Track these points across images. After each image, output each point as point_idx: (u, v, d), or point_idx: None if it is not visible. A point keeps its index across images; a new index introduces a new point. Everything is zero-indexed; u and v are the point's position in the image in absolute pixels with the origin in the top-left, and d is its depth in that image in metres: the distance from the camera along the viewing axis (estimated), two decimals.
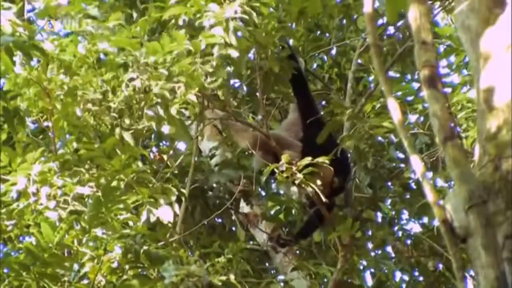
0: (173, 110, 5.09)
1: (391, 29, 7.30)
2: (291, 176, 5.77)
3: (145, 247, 4.75)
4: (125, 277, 4.78)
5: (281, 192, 7.41)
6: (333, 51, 7.72)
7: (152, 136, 7.18)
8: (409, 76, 7.61)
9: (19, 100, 5.36)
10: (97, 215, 4.74)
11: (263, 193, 7.60)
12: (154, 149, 7.32)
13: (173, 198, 5.31)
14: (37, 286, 4.63)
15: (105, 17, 5.91)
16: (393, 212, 7.19)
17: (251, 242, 7.04)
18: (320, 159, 5.74)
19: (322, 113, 6.98)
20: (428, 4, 2.92)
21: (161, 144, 7.44)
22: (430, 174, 6.58)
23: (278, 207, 7.32)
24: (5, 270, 4.67)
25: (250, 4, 5.27)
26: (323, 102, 7.76)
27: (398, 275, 7.41)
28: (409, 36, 6.76)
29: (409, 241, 7.11)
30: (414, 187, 6.92)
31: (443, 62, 7.17)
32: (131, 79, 5.10)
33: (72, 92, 5.21)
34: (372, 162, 6.58)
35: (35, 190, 4.85)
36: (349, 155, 6.41)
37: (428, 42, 2.79)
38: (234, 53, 5.16)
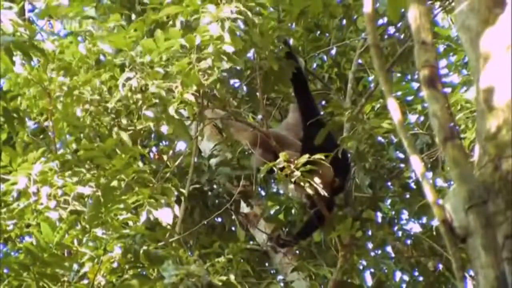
0: (171, 110, 5.09)
1: (391, 29, 7.30)
2: (290, 174, 5.77)
3: (144, 247, 4.75)
4: (124, 277, 4.78)
5: (281, 192, 7.41)
6: (333, 51, 7.72)
7: (152, 136, 7.18)
8: (409, 76, 7.61)
9: (19, 100, 5.37)
10: (97, 215, 4.75)
11: (263, 193, 7.60)
12: (154, 149, 7.32)
13: (173, 198, 5.31)
14: (37, 286, 4.63)
15: (102, 18, 5.92)
16: (393, 212, 7.19)
17: (251, 242, 7.04)
18: (319, 156, 5.74)
19: (322, 113, 6.98)
20: (428, 4, 2.92)
21: (160, 144, 7.44)
22: (430, 174, 6.58)
23: (278, 207, 7.32)
24: (5, 270, 4.67)
25: (247, 4, 5.27)
26: (323, 102, 7.76)
27: (398, 275, 7.42)
28: (410, 36, 6.76)
29: (409, 241, 7.11)
30: (414, 187, 6.92)
31: (443, 62, 7.18)
32: (128, 79, 5.10)
33: (72, 92, 5.22)
34: (372, 162, 6.58)
35: (36, 189, 4.85)
36: (349, 155, 6.40)
37: (428, 42, 2.79)
38: (229, 49, 5.16)
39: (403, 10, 3.62)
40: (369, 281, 7.34)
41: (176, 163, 6.30)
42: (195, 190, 6.47)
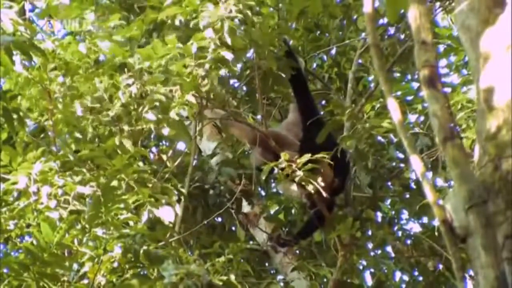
0: (172, 114, 5.10)
1: (391, 29, 7.30)
2: (291, 174, 5.77)
3: (144, 247, 4.75)
4: (124, 276, 4.78)
5: (281, 191, 7.41)
6: (333, 51, 7.72)
7: (152, 136, 7.18)
8: (409, 76, 7.61)
9: (19, 100, 5.37)
10: (97, 215, 4.75)
11: (263, 193, 7.60)
12: (154, 149, 7.32)
13: (174, 198, 5.31)
14: (37, 286, 4.63)
15: (101, 20, 5.92)
16: (393, 212, 7.19)
17: (251, 242, 7.04)
18: (319, 156, 5.74)
19: (322, 113, 6.98)
20: (428, 4, 2.92)
21: (160, 143, 7.44)
22: (430, 174, 6.58)
23: (278, 207, 7.32)
24: (5, 270, 4.67)
25: (246, 3, 5.27)
26: (323, 102, 7.76)
27: (398, 275, 7.42)
28: (410, 36, 6.76)
29: (409, 241, 7.11)
30: (414, 187, 6.92)
31: (443, 62, 7.18)
32: (127, 85, 5.11)
33: (72, 92, 5.22)
34: (372, 162, 6.58)
35: (36, 189, 4.85)
36: (348, 155, 6.40)
37: (428, 42, 2.79)
38: (228, 55, 5.17)
39: (403, 10, 3.62)
40: (369, 281, 7.34)
41: (176, 163, 6.30)
42: (196, 189, 6.47)
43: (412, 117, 6.96)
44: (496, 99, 2.79)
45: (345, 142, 6.16)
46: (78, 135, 5.42)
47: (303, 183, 5.84)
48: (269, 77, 5.91)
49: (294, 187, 6.11)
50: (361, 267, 7.22)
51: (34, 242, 4.66)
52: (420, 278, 7.25)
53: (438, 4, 7.02)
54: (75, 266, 4.88)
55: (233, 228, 7.05)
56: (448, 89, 6.64)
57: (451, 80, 7.02)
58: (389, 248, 7.16)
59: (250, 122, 6.66)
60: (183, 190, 5.78)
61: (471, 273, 2.84)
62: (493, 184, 2.70)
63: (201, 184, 6.51)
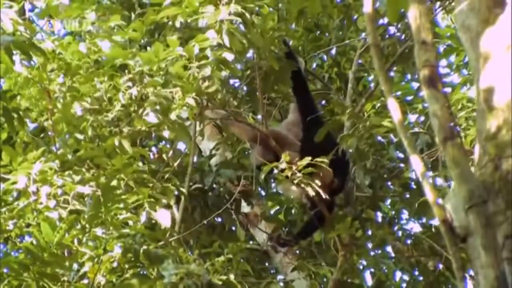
0: (172, 116, 5.09)
1: (391, 29, 7.30)
2: (291, 175, 5.77)
3: (144, 247, 4.75)
4: (124, 276, 4.78)
5: (281, 192, 7.41)
6: (333, 51, 7.72)
7: (152, 135, 7.18)
8: (409, 76, 7.61)
9: (19, 99, 5.37)
10: (97, 215, 4.75)
11: (263, 193, 7.60)
12: (153, 149, 7.32)
13: (172, 200, 5.31)
14: (37, 285, 4.63)
15: (102, 19, 5.92)
16: (393, 212, 7.19)
17: (251, 242, 7.04)
18: (320, 160, 5.74)
19: (322, 113, 6.98)
20: (428, 4, 2.92)
21: (160, 144, 7.44)
22: (430, 174, 6.58)
23: (278, 207, 7.32)
24: (5, 270, 4.67)
25: (246, 5, 5.27)
26: (323, 102, 7.76)
27: (398, 274, 7.42)
28: (410, 36, 6.76)
29: (409, 241, 7.11)
30: (414, 187, 6.92)
31: (443, 62, 7.18)
32: (128, 87, 5.11)
33: (72, 92, 5.22)
34: (372, 162, 6.58)
35: (35, 189, 4.85)
36: (348, 154, 6.40)
37: (428, 42, 2.79)
38: (229, 56, 5.17)
39: (403, 10, 3.62)
40: (369, 280, 7.34)
41: (176, 163, 6.30)
42: (195, 189, 6.47)
43: (412, 117, 6.96)
44: (496, 99, 2.78)
45: (345, 142, 6.16)
46: (78, 135, 5.42)
47: (302, 184, 5.84)
48: (270, 77, 5.90)
49: (294, 187, 6.10)
50: (361, 267, 7.23)
51: (34, 242, 4.66)
52: (420, 278, 7.25)
53: (438, 4, 7.01)
54: (75, 266, 4.88)
55: (233, 228, 7.04)
56: (448, 89, 6.64)
57: (452, 80, 7.03)
58: (389, 248, 7.16)
59: (250, 122, 6.65)
60: (184, 190, 5.78)
61: (471, 273, 2.84)
62: (493, 184, 2.70)
63: (201, 184, 6.51)
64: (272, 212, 7.33)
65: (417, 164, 2.76)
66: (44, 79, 5.29)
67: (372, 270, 7.30)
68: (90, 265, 4.82)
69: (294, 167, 5.76)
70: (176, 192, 5.54)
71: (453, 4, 6.35)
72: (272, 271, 7.23)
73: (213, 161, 6.88)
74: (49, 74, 5.29)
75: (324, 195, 5.90)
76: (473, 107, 6.09)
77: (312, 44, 7.60)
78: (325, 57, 7.81)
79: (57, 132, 5.43)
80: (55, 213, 4.80)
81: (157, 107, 5.08)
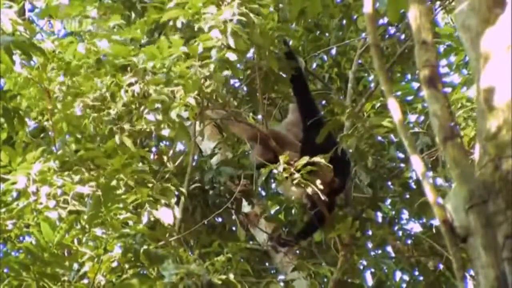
0: (173, 114, 5.09)
1: (391, 29, 7.30)
2: (290, 176, 5.77)
3: (144, 247, 4.75)
4: (124, 276, 4.78)
5: (281, 192, 7.41)
6: (333, 51, 7.72)
7: (152, 135, 7.18)
8: (409, 76, 7.62)
9: (19, 99, 5.36)
10: (97, 215, 4.75)
11: (263, 193, 7.59)
12: (154, 149, 7.32)
13: (173, 200, 5.31)
14: (37, 285, 4.63)
15: (103, 18, 5.92)
16: (393, 212, 7.19)
17: (251, 242, 7.04)
18: (319, 159, 5.74)
19: (322, 113, 6.98)
20: (428, 4, 2.92)
21: (160, 144, 7.44)
22: (430, 174, 6.58)
23: (278, 207, 7.32)
24: (5, 270, 4.67)
25: (248, 6, 5.27)
26: (323, 102, 7.76)
27: (398, 274, 7.42)
28: (410, 36, 6.76)
29: (409, 241, 7.11)
30: (414, 186, 6.92)
31: (443, 62, 7.18)
32: (130, 84, 5.11)
33: (72, 92, 5.22)
34: (372, 162, 6.57)
35: (35, 189, 4.85)
36: (348, 154, 6.40)
37: (428, 42, 2.79)
38: (232, 56, 5.17)
39: (403, 10, 3.62)
40: (369, 280, 7.34)
41: (177, 163, 6.30)
42: (196, 189, 6.47)
43: (412, 117, 6.96)
44: (496, 99, 2.78)
45: (345, 142, 6.15)
46: (78, 135, 5.42)
47: (302, 185, 5.84)
48: (270, 77, 5.90)
49: (294, 187, 6.10)
50: (361, 267, 7.23)
51: (34, 242, 4.66)
52: (421, 278, 7.25)
53: (438, 4, 7.01)
54: (75, 266, 4.88)
55: (233, 228, 7.04)
56: (448, 89, 6.64)
57: (452, 80, 7.03)
58: (389, 248, 7.16)
59: (251, 122, 6.65)
60: (183, 190, 5.78)
61: (472, 273, 2.84)
62: (493, 184, 2.70)
63: (201, 184, 6.51)
64: (272, 212, 7.33)
65: (417, 164, 2.76)
66: (44, 79, 5.29)
67: (373, 270, 7.30)
68: (90, 265, 4.82)
69: (293, 167, 5.76)
70: (176, 192, 5.54)
71: (453, 4, 6.35)
72: (272, 271, 7.23)
73: (214, 160, 6.88)
74: (49, 74, 5.29)
75: (323, 197, 5.89)
76: (471, 106, 6.08)
77: (312, 44, 7.60)
78: (325, 57, 7.81)
79: (57, 132, 5.42)
80: (54, 213, 4.79)
81: (158, 105, 5.08)
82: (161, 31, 5.77)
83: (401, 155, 6.83)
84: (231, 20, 5.18)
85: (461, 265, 2.67)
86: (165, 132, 5.25)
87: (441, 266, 7.09)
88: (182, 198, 5.91)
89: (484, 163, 2.76)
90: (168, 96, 5.08)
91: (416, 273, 7.27)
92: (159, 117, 5.10)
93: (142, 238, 4.77)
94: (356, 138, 6.16)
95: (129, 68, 5.20)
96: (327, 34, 7.66)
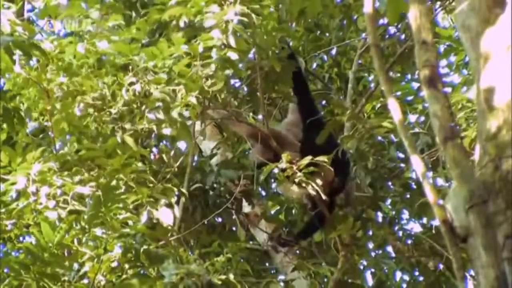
0: (174, 113, 5.09)
1: (391, 29, 7.30)
2: (291, 175, 5.77)
3: (145, 246, 4.74)
4: (124, 276, 4.78)
5: (281, 192, 7.41)
6: (333, 51, 7.72)
7: (153, 135, 7.18)
8: (409, 76, 7.62)
9: (19, 100, 5.36)
10: (97, 215, 4.75)
11: (264, 193, 7.59)
12: (154, 149, 7.32)
13: (173, 199, 5.31)
14: (37, 285, 4.63)
15: (105, 18, 5.92)
16: (394, 212, 7.19)
17: (251, 242, 7.04)
18: (321, 159, 5.74)
19: (322, 113, 6.98)
20: (428, 4, 2.92)
21: (161, 143, 7.44)
22: (430, 174, 6.58)
23: (278, 207, 7.32)
24: (5, 270, 4.67)
25: (250, 6, 5.27)
26: (323, 102, 7.76)
27: (398, 274, 7.42)
28: (410, 36, 6.76)
29: (409, 241, 7.11)
30: (415, 187, 6.91)
31: (443, 62, 7.18)
32: (131, 83, 5.10)
33: (72, 92, 5.21)
34: (373, 162, 6.57)
35: (35, 189, 4.85)
36: (349, 155, 6.40)
37: (428, 42, 2.79)
38: (234, 56, 5.17)
39: (403, 11, 3.62)
40: (369, 280, 7.34)
41: (177, 163, 6.30)
42: (196, 189, 6.47)
43: (413, 117, 6.96)
44: (497, 99, 2.78)
45: (346, 143, 6.15)
46: (78, 135, 5.42)
47: (303, 184, 5.84)
48: (271, 77, 5.90)
49: (294, 188, 6.10)
50: (361, 267, 7.23)
51: (34, 242, 4.66)
52: (421, 278, 7.25)
53: (438, 4, 7.01)
54: (75, 265, 4.88)
55: (233, 228, 7.05)
56: (448, 89, 6.64)
57: (452, 80, 7.03)
58: (389, 248, 7.17)
59: (251, 122, 6.65)
60: (183, 190, 5.78)
61: (472, 273, 2.85)
62: (493, 184, 2.70)
63: (201, 184, 6.51)
64: (272, 212, 7.32)
65: (417, 164, 2.76)
66: (43, 80, 5.28)
67: (373, 270, 7.30)
68: (90, 265, 4.82)
69: (295, 167, 5.76)
70: (176, 192, 5.54)
71: (453, 4, 6.35)
72: (272, 271, 7.23)
73: (214, 160, 6.88)
74: (48, 74, 5.28)
75: (324, 197, 5.89)
76: (472, 108, 6.08)
77: (312, 44, 7.60)
78: (325, 57, 7.81)
79: (57, 132, 5.42)
80: (54, 213, 4.79)
81: (160, 104, 5.08)
82: (162, 31, 5.76)
83: (402, 155, 6.83)
84: (232, 20, 5.18)
85: (461, 265, 2.67)
86: (166, 131, 5.25)
87: (441, 266, 7.09)
88: (182, 198, 5.91)
89: (484, 163, 2.76)
90: (169, 95, 5.08)
91: (416, 273, 7.27)
92: (160, 116, 5.10)
93: (142, 238, 4.77)
94: (356, 140, 6.16)
95: (130, 67, 5.20)
96: (327, 34, 7.66)
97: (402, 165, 6.84)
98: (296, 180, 5.79)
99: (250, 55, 5.80)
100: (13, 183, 4.88)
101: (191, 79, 5.10)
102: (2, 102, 5.21)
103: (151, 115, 5.11)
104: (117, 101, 5.14)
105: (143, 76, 5.11)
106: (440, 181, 6.61)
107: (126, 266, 4.80)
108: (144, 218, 5.12)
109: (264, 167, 5.91)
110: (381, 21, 7.14)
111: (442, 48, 7.05)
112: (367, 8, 2.92)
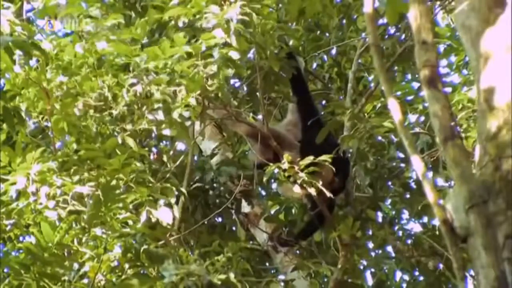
0: (175, 114, 5.09)
1: (391, 29, 7.29)
2: (293, 175, 5.77)
3: (145, 246, 4.74)
4: (124, 276, 4.78)
5: (281, 193, 7.41)
6: (333, 51, 7.71)
7: (152, 135, 7.18)
8: (409, 76, 7.61)
9: (18, 100, 5.36)
10: (97, 215, 4.75)
11: (263, 193, 7.59)
12: (154, 149, 7.32)
13: (173, 199, 5.31)
14: (37, 285, 4.63)
15: (104, 18, 5.91)
16: (394, 212, 7.18)
17: (251, 242, 7.04)
18: (321, 159, 5.74)
19: (322, 113, 6.97)
20: (428, 4, 2.92)
21: (161, 143, 7.44)
22: (430, 174, 6.58)
23: (278, 207, 7.31)
24: (5, 270, 4.67)
25: (250, 6, 5.27)
26: (323, 102, 7.75)
27: (398, 274, 7.42)
28: (410, 36, 6.76)
29: (409, 241, 7.11)
30: (415, 187, 6.91)
31: (443, 62, 7.17)
32: (132, 84, 5.10)
33: (71, 92, 5.21)
34: (373, 162, 6.57)
35: (35, 189, 4.85)
36: (349, 154, 6.40)
37: (428, 42, 2.79)
38: (235, 54, 5.17)
39: (403, 11, 3.62)
40: (369, 280, 7.34)
41: (177, 163, 6.30)
42: (196, 189, 6.47)
43: (413, 117, 6.96)
44: (497, 99, 2.79)
45: (346, 143, 6.15)
46: (78, 135, 5.42)
47: (304, 184, 5.84)
48: (271, 77, 5.90)
49: (294, 188, 6.10)
50: (361, 267, 7.22)
51: (34, 242, 4.66)
52: (421, 278, 7.25)
53: (438, 4, 7.01)
54: (75, 265, 4.88)
55: (233, 228, 7.04)
56: (448, 89, 6.64)
57: (452, 80, 7.02)
58: (389, 248, 7.16)
59: (251, 122, 6.65)
60: (183, 190, 5.78)
61: (472, 273, 2.85)
62: (493, 184, 2.70)
63: (201, 184, 6.51)
64: (272, 212, 7.32)
65: (417, 164, 2.76)
66: (42, 80, 5.28)
67: (373, 270, 7.30)
68: (90, 265, 4.82)
69: (296, 167, 5.75)
70: (176, 192, 5.54)
71: (453, 4, 6.35)
72: (272, 271, 7.23)
73: (214, 160, 6.88)
74: (47, 74, 5.28)
75: (327, 194, 5.89)
76: (473, 108, 6.08)
77: (312, 44, 7.59)
78: (325, 57, 7.81)
79: (57, 132, 5.42)
80: (54, 213, 4.79)
81: (160, 104, 5.07)
82: (162, 31, 5.76)
83: (402, 155, 6.82)
84: (233, 19, 5.18)
85: (461, 265, 2.67)
86: (166, 131, 5.25)
87: (442, 266, 7.09)
88: (182, 198, 5.91)
89: (485, 163, 2.76)
90: (170, 96, 5.07)
91: (417, 273, 7.27)
92: (160, 116, 5.09)
93: (142, 238, 4.77)
94: (356, 140, 6.16)
95: (130, 68, 5.20)
96: (327, 34, 7.65)
97: (402, 165, 6.84)
98: (298, 181, 5.78)
99: (250, 55, 5.80)
100: (13, 183, 4.88)
101: (193, 79, 5.10)
102: (2, 102, 5.21)
103: (151, 116, 5.11)
104: (118, 102, 5.14)
105: (144, 77, 5.11)
106: (440, 181, 6.61)
107: (126, 266, 4.80)
108: (143, 218, 5.11)
109: (264, 167, 5.91)
110: (381, 21, 7.14)
111: (442, 48, 7.05)
112: (367, 8, 2.92)
